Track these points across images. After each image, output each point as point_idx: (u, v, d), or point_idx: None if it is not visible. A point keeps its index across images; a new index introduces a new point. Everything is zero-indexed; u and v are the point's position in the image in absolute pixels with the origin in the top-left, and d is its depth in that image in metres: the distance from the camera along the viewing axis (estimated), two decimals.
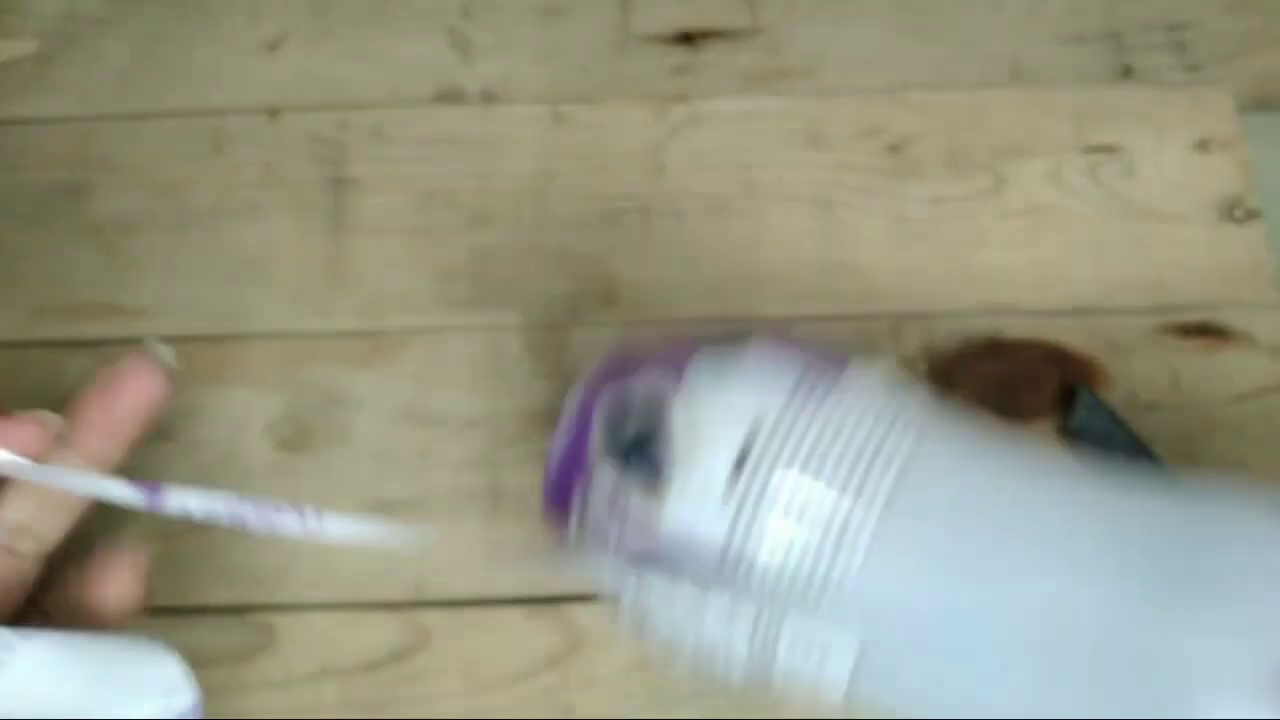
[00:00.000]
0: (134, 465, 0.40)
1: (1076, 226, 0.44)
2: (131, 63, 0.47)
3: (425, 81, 0.47)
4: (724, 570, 0.28)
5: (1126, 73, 0.47)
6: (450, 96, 0.46)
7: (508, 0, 0.48)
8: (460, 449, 0.40)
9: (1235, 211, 0.44)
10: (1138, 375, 0.41)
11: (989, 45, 0.47)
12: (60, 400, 0.41)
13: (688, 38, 0.48)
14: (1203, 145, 0.45)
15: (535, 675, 0.37)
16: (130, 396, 0.30)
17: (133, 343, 0.42)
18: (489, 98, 0.46)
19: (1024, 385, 0.41)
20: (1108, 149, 0.45)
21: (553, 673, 0.37)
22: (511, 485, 0.40)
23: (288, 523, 0.29)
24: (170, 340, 0.42)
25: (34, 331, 0.43)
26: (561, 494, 0.31)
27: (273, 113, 0.46)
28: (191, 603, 0.38)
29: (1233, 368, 0.42)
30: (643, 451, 0.28)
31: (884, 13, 0.48)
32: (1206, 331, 0.42)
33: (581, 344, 0.42)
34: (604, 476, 0.29)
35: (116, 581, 0.29)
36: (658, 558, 0.28)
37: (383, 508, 0.40)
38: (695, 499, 0.28)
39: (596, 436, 0.29)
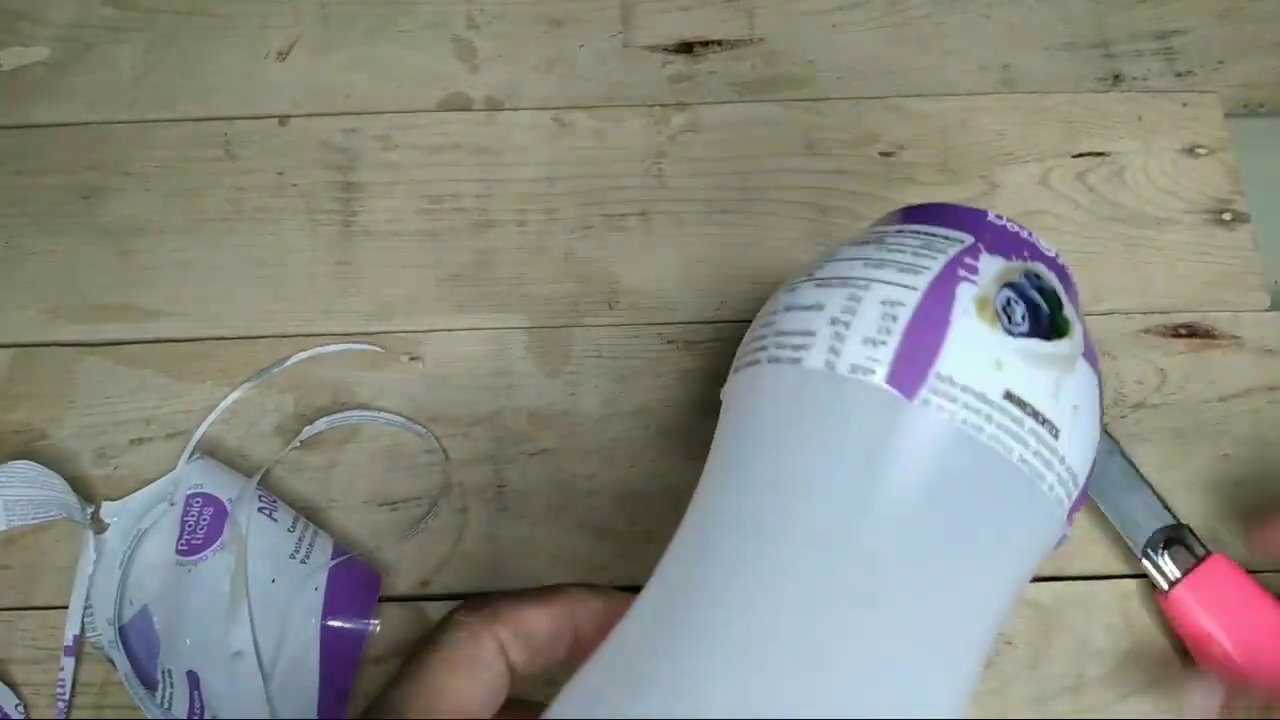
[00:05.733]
0: (143, 463, 0.41)
1: (1066, 230, 0.44)
2: (143, 69, 0.48)
3: (431, 89, 0.48)
4: None
5: (1116, 80, 0.48)
6: (456, 104, 0.47)
7: (512, 10, 0.49)
8: (465, 447, 0.41)
9: (1223, 215, 0.45)
10: (1126, 375, 0.42)
11: (980, 54, 0.48)
12: (71, 400, 0.41)
13: (687, 47, 0.48)
14: (1191, 150, 0.46)
15: None
16: None
17: (144, 344, 0.43)
18: (494, 105, 0.47)
19: None
20: (1097, 154, 0.46)
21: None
22: (516, 482, 0.41)
23: None
24: (183, 342, 0.43)
25: (48, 333, 0.43)
26: None
27: (283, 119, 0.47)
28: None
29: (1219, 368, 0.42)
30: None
31: (878, 23, 0.49)
32: (1194, 333, 0.43)
33: (583, 344, 0.43)
34: None
35: None
36: None
37: (390, 504, 0.40)
38: None
39: None
